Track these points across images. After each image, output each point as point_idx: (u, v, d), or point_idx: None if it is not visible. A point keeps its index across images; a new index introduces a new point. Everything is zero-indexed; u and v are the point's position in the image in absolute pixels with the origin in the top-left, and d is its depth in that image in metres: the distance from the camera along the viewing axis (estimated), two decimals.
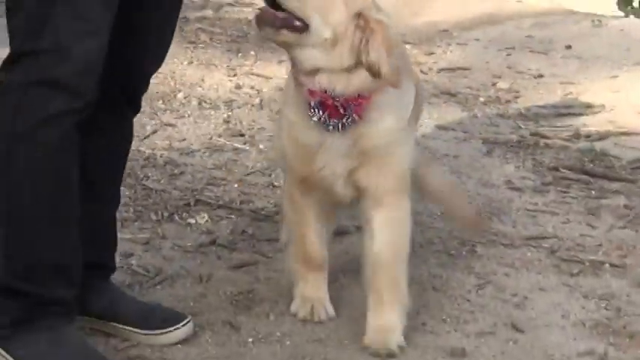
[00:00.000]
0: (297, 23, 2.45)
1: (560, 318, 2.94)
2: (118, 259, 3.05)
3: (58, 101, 2.16)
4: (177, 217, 3.55)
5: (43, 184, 2.21)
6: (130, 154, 4.11)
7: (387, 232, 2.66)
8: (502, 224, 3.74)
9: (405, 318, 2.69)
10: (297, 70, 2.56)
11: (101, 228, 2.62)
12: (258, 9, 2.57)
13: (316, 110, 2.49)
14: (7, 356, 2.19)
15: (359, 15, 2.46)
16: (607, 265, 3.36)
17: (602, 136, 4.98)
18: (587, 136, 4.98)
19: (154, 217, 3.52)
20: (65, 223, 2.28)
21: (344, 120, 2.48)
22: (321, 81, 2.48)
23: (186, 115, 4.94)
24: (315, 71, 2.49)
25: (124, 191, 3.68)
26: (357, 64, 2.46)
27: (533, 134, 5.04)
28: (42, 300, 2.22)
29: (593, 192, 4.18)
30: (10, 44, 2.23)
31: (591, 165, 4.51)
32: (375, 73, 2.42)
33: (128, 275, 3.07)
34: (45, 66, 2.15)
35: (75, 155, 2.26)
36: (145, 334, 2.58)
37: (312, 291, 2.79)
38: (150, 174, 4.01)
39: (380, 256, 2.66)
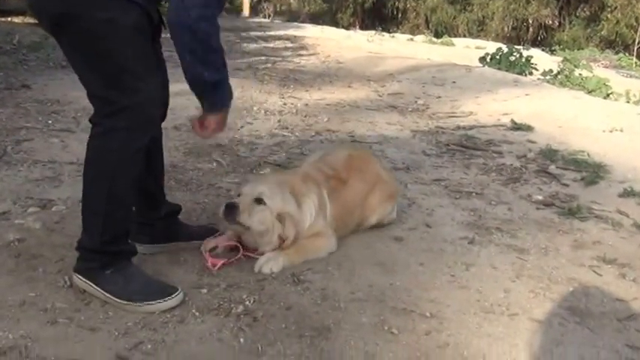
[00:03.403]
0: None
1: (450, 220, 2.86)
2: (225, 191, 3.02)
3: (147, 135, 1.90)
4: (254, 170, 3.46)
5: (129, 187, 1.93)
6: (231, 138, 4.10)
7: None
8: (420, 173, 3.64)
9: None
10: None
11: (160, 192, 2.31)
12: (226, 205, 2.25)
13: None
14: (98, 288, 1.94)
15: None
16: (474, 193, 3.27)
17: (471, 128, 4.87)
18: (463, 128, 4.87)
19: (241, 170, 3.44)
20: (131, 205, 2.03)
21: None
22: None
23: (259, 118, 4.83)
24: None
25: (226, 157, 3.69)
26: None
27: (436, 127, 4.92)
28: (119, 253, 1.97)
29: (466, 156, 4.07)
30: (104, 98, 1.82)
31: (465, 142, 4.39)
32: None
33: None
34: (141, 114, 1.83)
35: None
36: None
37: None
38: (240, 148, 3.93)
39: None
